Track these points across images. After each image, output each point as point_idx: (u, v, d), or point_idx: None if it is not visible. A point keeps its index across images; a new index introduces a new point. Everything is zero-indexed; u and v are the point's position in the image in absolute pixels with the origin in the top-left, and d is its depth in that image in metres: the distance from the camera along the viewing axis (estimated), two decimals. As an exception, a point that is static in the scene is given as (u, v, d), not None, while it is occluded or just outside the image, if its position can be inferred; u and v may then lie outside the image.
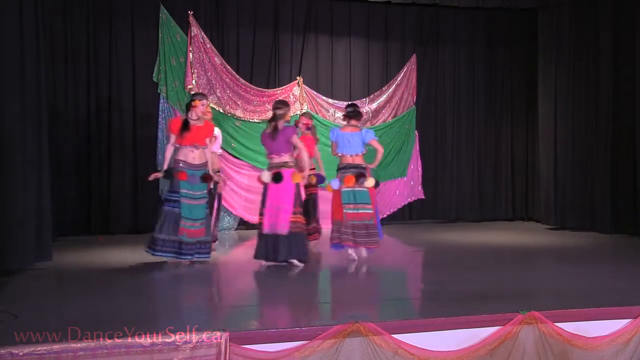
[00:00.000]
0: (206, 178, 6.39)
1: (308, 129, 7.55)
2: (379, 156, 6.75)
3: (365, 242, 6.52)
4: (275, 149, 6.32)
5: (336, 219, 6.61)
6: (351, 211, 6.49)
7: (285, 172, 6.25)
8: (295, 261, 6.27)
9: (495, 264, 6.77)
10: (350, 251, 6.62)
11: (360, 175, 6.51)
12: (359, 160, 6.62)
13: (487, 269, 6.31)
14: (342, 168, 6.64)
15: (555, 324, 4.16)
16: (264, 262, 6.29)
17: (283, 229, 6.17)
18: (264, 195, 6.37)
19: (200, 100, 6.39)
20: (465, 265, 6.63)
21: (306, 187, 7.17)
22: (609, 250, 7.93)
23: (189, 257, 6.26)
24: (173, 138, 6.35)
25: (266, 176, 6.31)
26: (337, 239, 6.55)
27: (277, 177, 6.22)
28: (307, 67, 10.18)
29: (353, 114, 6.77)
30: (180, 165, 6.27)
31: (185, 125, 6.30)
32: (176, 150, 6.37)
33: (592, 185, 9.36)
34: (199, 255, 6.33)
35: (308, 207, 7.21)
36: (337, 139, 6.67)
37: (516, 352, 4.08)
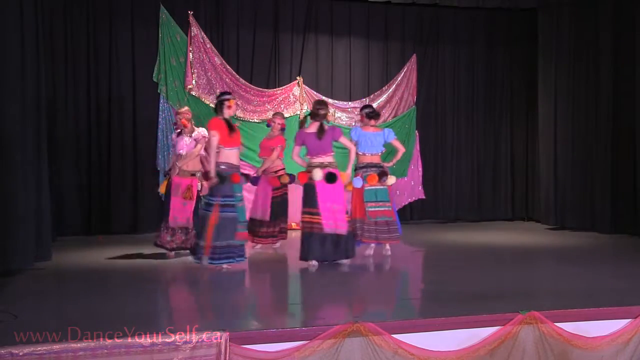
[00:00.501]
0: (246, 179, 6.36)
1: (282, 129, 7.55)
2: (400, 155, 7.05)
3: (388, 237, 6.77)
4: (322, 149, 6.30)
5: (358, 217, 6.73)
6: (373, 209, 6.70)
7: (336, 172, 6.27)
8: (344, 260, 6.35)
9: (495, 264, 6.77)
10: (369, 250, 6.86)
11: (382, 174, 6.75)
12: (377, 159, 6.87)
13: (487, 269, 6.31)
14: (362, 167, 6.83)
15: (555, 324, 4.16)
16: (314, 263, 6.19)
17: (343, 229, 6.22)
18: (310, 195, 6.27)
19: (233, 99, 6.20)
20: (465, 265, 6.63)
21: (275, 188, 7.24)
22: (609, 250, 7.93)
23: (229, 260, 6.02)
24: (217, 140, 5.97)
25: (319, 175, 6.19)
26: (359, 236, 6.68)
27: (332, 177, 6.19)
28: (307, 67, 10.18)
29: (373, 114, 7.02)
30: (223, 167, 6.01)
31: (231, 126, 6.09)
32: (219, 153, 6.07)
33: (592, 185, 9.36)
34: (240, 258, 6.11)
35: (276, 208, 7.29)
36: (359, 139, 6.85)
37: (516, 352, 4.08)
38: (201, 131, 6.89)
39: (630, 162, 8.71)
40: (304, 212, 6.29)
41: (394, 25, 10.58)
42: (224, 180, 5.96)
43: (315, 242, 6.18)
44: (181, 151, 6.89)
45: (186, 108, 7.28)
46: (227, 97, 6.18)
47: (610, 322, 4.33)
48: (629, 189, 8.75)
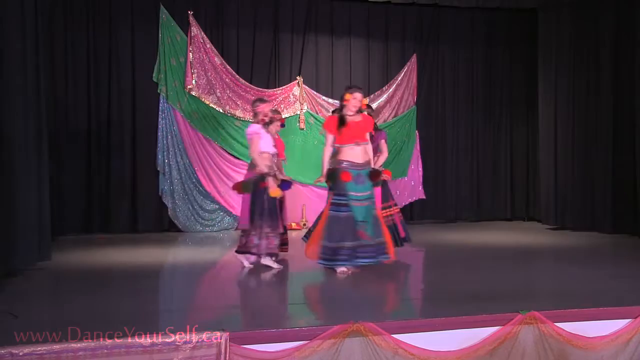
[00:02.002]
0: (374, 176, 5.85)
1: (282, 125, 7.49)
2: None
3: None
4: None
5: None
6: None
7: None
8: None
9: (495, 264, 6.76)
10: None
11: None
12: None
13: (487, 269, 6.31)
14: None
15: (555, 324, 4.15)
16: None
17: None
18: None
19: (352, 93, 5.84)
20: (465, 265, 6.63)
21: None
22: (609, 250, 7.93)
23: (367, 260, 5.72)
24: (331, 138, 5.79)
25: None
26: None
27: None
28: (307, 67, 10.18)
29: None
30: (344, 165, 5.73)
31: (342, 122, 5.77)
32: (337, 151, 5.85)
33: (592, 185, 9.35)
34: (382, 256, 5.79)
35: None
36: None
37: (516, 352, 4.08)
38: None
39: (631, 162, 8.70)
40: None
41: (394, 25, 10.58)
42: (333, 178, 5.75)
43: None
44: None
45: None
46: (346, 91, 5.88)
47: (610, 322, 4.33)
48: (629, 189, 8.74)
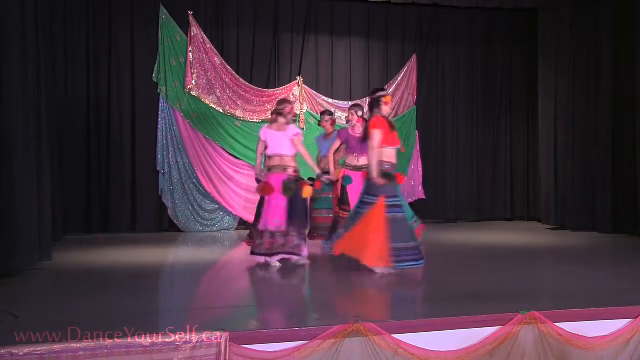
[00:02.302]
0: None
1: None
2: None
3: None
4: (362, 151, 6.54)
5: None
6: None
7: None
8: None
9: (495, 264, 6.77)
10: None
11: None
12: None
13: (487, 269, 6.31)
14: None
15: (555, 324, 4.15)
16: None
17: None
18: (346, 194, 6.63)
19: (389, 95, 5.97)
20: (465, 265, 6.63)
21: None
22: (609, 250, 7.93)
23: (412, 263, 5.72)
24: (379, 139, 5.72)
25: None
26: None
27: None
28: (307, 67, 10.18)
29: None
30: (387, 167, 5.77)
31: (392, 125, 5.87)
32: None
33: (592, 185, 9.36)
34: (421, 262, 5.79)
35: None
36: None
37: (516, 352, 4.08)
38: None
39: (631, 162, 8.71)
40: None
41: (394, 25, 10.58)
42: (390, 179, 5.74)
43: None
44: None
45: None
46: (383, 93, 5.93)
47: (610, 322, 4.33)
48: (629, 189, 8.75)
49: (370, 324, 3.83)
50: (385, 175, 5.69)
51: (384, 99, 5.83)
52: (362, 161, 6.83)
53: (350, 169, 6.99)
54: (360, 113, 7.29)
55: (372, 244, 5.57)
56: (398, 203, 5.71)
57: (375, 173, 5.66)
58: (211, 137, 9.47)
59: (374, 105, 5.88)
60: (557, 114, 9.95)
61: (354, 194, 6.51)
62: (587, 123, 9.46)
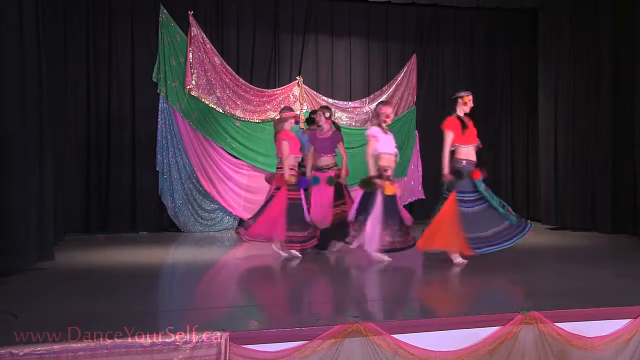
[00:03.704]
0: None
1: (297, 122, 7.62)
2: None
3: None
4: (326, 152, 7.18)
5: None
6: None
7: None
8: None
9: (495, 264, 6.76)
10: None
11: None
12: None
13: (487, 269, 6.30)
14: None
15: (555, 324, 4.15)
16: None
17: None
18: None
19: (468, 95, 6.20)
20: (465, 265, 6.62)
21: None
22: (609, 250, 7.93)
23: (507, 243, 6.15)
24: (451, 138, 6.11)
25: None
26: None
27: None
28: (307, 67, 10.18)
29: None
30: (464, 164, 6.14)
31: (465, 124, 6.15)
32: (456, 151, 6.18)
33: (592, 185, 9.36)
34: (523, 232, 6.22)
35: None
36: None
37: (516, 352, 4.08)
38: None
39: (631, 162, 8.71)
40: None
41: (394, 25, 10.58)
42: (463, 176, 6.10)
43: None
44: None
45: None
46: (463, 93, 6.21)
47: (610, 322, 4.32)
48: (629, 189, 8.74)
49: (370, 324, 3.83)
50: (456, 172, 6.08)
51: (464, 99, 6.15)
52: (324, 162, 7.19)
53: (316, 170, 7.16)
54: (327, 114, 7.32)
55: (448, 235, 6.12)
56: (472, 198, 6.10)
57: (445, 170, 6.09)
58: (211, 137, 9.48)
59: (453, 103, 6.22)
60: (557, 114, 9.95)
61: (321, 195, 7.01)
62: (587, 123, 9.46)
